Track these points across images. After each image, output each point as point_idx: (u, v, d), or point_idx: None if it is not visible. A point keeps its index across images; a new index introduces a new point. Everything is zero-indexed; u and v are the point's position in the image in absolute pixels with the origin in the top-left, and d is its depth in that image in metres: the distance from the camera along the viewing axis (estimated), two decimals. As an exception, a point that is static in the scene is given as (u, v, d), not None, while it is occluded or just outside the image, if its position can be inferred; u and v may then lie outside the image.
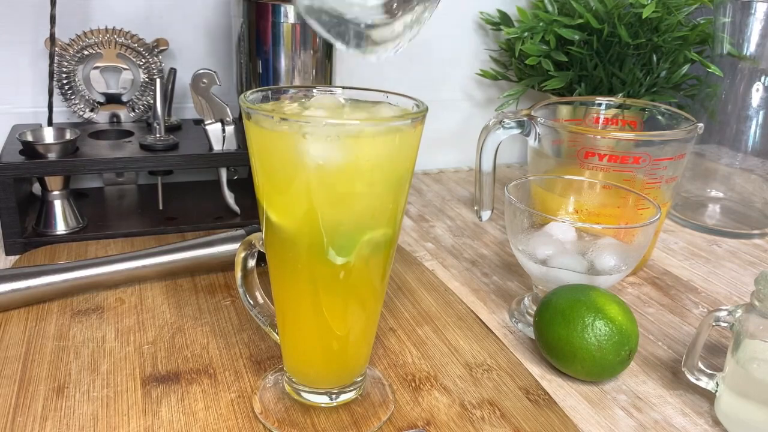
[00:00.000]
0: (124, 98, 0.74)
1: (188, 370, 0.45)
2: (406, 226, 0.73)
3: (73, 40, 0.70)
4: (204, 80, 0.65)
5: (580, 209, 0.56)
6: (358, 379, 0.42)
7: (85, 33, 0.70)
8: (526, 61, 0.78)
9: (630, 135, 0.60)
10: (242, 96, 0.36)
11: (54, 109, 0.70)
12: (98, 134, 0.70)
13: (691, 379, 0.45)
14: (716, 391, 0.44)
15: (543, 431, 0.41)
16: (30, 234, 0.63)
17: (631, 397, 0.46)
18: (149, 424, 0.40)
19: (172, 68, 0.73)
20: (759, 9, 0.70)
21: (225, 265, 0.58)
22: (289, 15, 0.69)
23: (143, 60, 0.72)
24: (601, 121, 0.65)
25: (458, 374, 0.46)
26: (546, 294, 0.49)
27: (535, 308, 0.50)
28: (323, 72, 0.73)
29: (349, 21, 0.36)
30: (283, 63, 0.70)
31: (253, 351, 0.48)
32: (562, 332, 0.45)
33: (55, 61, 0.69)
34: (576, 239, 0.52)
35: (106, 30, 0.71)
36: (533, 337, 0.50)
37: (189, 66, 0.71)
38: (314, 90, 0.41)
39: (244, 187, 0.70)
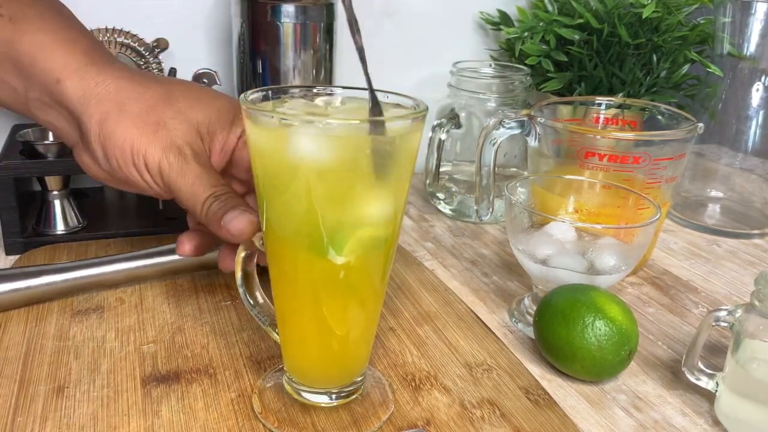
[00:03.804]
0: (124, 98, 0.74)
1: (188, 369, 0.45)
2: (406, 226, 0.73)
3: (73, 39, 0.70)
4: (204, 80, 0.66)
5: (580, 209, 0.56)
6: (358, 379, 0.42)
7: (85, 33, 0.70)
8: (526, 61, 0.78)
9: (630, 135, 0.60)
10: (242, 96, 0.36)
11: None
12: (98, 134, 0.70)
13: (691, 378, 0.45)
14: (716, 390, 0.44)
15: (543, 431, 0.41)
16: (30, 234, 0.63)
17: (631, 397, 0.46)
18: (149, 424, 0.40)
19: (172, 68, 0.73)
20: (759, 9, 0.70)
21: (225, 264, 0.58)
22: (289, 15, 0.69)
23: (143, 60, 0.72)
24: (601, 120, 0.65)
25: (458, 374, 0.46)
26: (546, 294, 0.49)
27: (535, 308, 0.50)
28: (323, 72, 0.73)
29: None
30: (283, 63, 0.70)
31: (253, 351, 0.48)
32: (562, 332, 0.45)
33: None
34: (576, 239, 0.52)
35: (106, 29, 0.70)
36: (533, 337, 0.50)
37: (189, 66, 0.70)
38: (313, 90, 0.41)
39: (244, 186, 0.70)
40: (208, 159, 0.47)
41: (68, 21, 0.49)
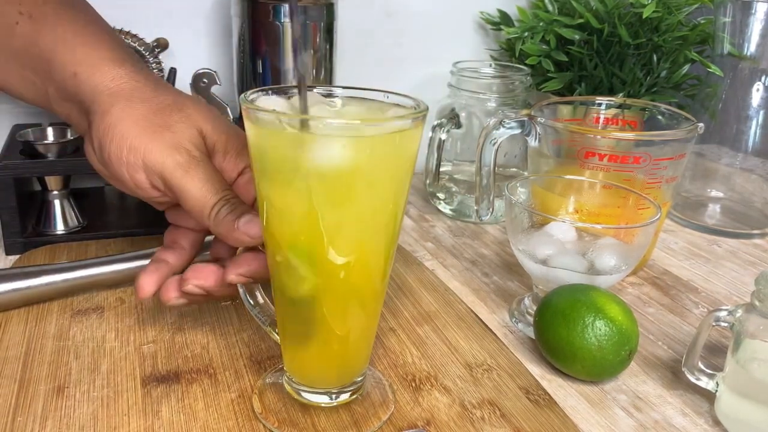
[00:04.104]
0: (124, 98, 0.74)
1: (188, 369, 0.45)
2: (406, 226, 0.73)
3: (73, 39, 0.70)
4: (204, 80, 0.66)
5: (581, 209, 0.56)
6: (359, 379, 0.42)
7: (85, 33, 0.70)
8: (527, 61, 0.78)
9: (630, 135, 0.60)
10: (242, 95, 0.36)
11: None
12: (98, 134, 0.70)
13: (691, 379, 0.45)
14: (716, 391, 0.44)
15: (543, 431, 0.41)
16: (30, 234, 0.63)
17: (631, 397, 0.46)
18: (149, 424, 0.40)
19: (172, 68, 0.73)
20: (759, 9, 0.70)
21: (225, 264, 0.58)
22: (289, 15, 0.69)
23: (143, 60, 0.72)
24: (601, 120, 0.65)
25: (458, 374, 0.46)
26: (546, 294, 0.49)
27: (535, 308, 0.50)
28: (323, 72, 0.73)
29: None
30: (284, 63, 0.70)
31: (253, 351, 0.47)
32: (563, 332, 0.45)
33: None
34: (576, 239, 0.52)
35: (106, 30, 0.70)
36: (533, 337, 0.50)
37: (189, 65, 0.70)
38: (314, 90, 0.41)
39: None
40: (212, 164, 0.46)
41: (88, 17, 0.49)
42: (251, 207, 0.44)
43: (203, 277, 0.44)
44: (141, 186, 0.44)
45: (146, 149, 0.43)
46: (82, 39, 0.46)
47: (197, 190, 0.43)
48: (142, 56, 0.72)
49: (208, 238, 0.50)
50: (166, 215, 0.49)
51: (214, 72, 0.65)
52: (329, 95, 0.41)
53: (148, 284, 0.46)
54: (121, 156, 0.43)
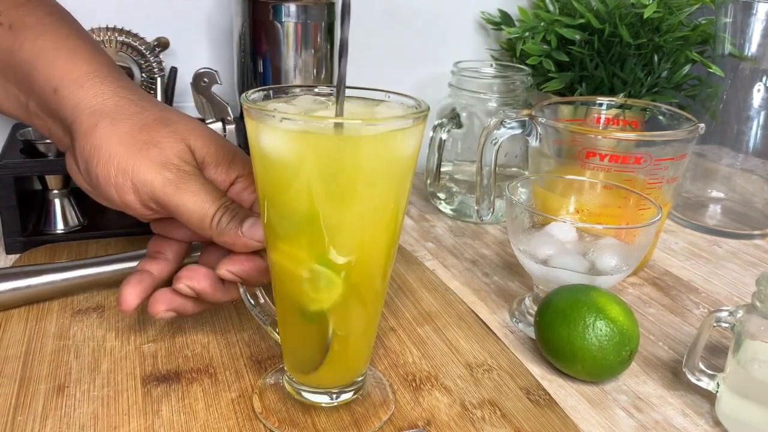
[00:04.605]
0: (125, 97, 0.74)
1: (189, 369, 0.45)
2: (407, 226, 0.73)
3: (73, 38, 0.70)
4: (205, 79, 0.66)
5: (581, 209, 0.56)
6: (359, 379, 0.42)
7: (85, 32, 0.70)
8: (527, 61, 0.78)
9: (631, 135, 0.60)
10: (243, 95, 0.36)
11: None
12: (99, 133, 0.70)
13: (692, 379, 0.45)
14: (717, 391, 0.44)
15: (543, 431, 0.41)
16: (30, 233, 0.63)
17: (631, 398, 0.46)
18: (150, 424, 0.40)
19: (173, 67, 0.73)
20: (760, 9, 0.70)
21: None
22: (290, 14, 0.69)
23: (144, 59, 0.72)
24: (602, 121, 0.65)
25: (459, 374, 0.46)
26: (547, 294, 0.49)
27: (535, 308, 0.50)
28: (324, 71, 0.73)
29: None
30: (284, 62, 0.70)
31: (253, 350, 0.47)
32: (563, 332, 0.45)
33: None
34: (577, 239, 0.52)
35: (107, 29, 0.70)
36: (534, 337, 0.50)
37: (190, 65, 0.71)
38: (313, 90, 0.41)
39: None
40: (204, 176, 0.45)
41: (70, 29, 0.47)
42: (251, 210, 0.44)
43: (197, 278, 0.43)
44: (131, 206, 0.43)
45: (134, 169, 0.41)
46: (64, 52, 0.45)
47: (192, 203, 0.41)
48: (142, 56, 0.72)
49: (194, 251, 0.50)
50: (151, 226, 0.48)
51: (215, 71, 0.65)
52: (330, 95, 0.41)
53: (131, 296, 0.44)
54: (109, 178, 0.42)
